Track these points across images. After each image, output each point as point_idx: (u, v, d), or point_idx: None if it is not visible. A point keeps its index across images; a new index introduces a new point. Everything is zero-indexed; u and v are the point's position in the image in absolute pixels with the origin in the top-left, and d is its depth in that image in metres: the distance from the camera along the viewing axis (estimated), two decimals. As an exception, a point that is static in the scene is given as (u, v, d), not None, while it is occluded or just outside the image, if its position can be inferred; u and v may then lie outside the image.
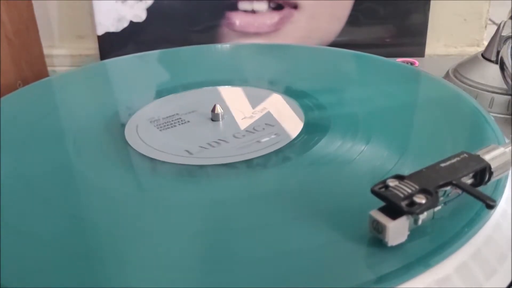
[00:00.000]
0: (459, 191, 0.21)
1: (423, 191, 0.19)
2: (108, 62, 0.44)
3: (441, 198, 0.20)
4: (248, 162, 0.27)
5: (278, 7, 0.50)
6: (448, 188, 0.20)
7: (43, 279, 0.19)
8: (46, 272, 0.20)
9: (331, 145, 0.28)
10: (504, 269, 0.21)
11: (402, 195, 0.19)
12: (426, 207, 0.19)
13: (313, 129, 0.30)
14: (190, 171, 0.27)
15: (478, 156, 0.22)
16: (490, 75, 0.38)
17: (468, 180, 0.21)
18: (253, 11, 0.51)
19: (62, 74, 0.42)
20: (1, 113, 0.33)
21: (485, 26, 0.52)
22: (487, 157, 0.22)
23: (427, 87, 0.37)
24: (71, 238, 0.22)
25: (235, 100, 0.34)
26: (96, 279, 0.19)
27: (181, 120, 0.33)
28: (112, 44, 0.52)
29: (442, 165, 0.21)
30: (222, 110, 0.32)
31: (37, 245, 0.21)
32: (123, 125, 0.32)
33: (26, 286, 0.19)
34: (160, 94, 0.37)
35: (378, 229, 0.19)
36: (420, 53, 0.52)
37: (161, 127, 0.32)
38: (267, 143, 0.28)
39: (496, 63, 0.38)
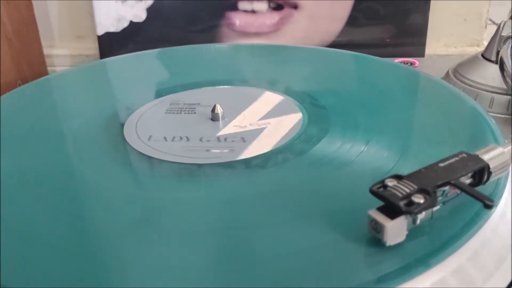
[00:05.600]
0: (458, 191, 0.21)
1: (422, 191, 0.19)
2: (107, 61, 0.44)
3: (440, 198, 0.20)
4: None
5: (278, 7, 0.50)
6: (446, 188, 0.20)
7: (43, 279, 0.19)
8: (46, 272, 0.20)
9: (331, 146, 0.28)
10: (503, 269, 0.21)
11: (400, 195, 0.19)
12: (424, 206, 0.19)
13: (314, 130, 0.30)
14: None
15: (477, 156, 0.22)
16: (490, 75, 0.38)
17: (467, 180, 0.21)
18: (253, 11, 0.51)
19: (61, 73, 0.42)
20: (0, 111, 0.33)
21: (485, 26, 0.52)
22: (485, 157, 0.22)
23: (425, 88, 0.37)
24: (70, 237, 0.22)
25: (258, 106, 0.34)
26: (96, 279, 0.19)
27: (192, 110, 0.33)
28: (112, 44, 0.52)
29: (441, 165, 0.21)
30: (222, 111, 0.32)
31: (37, 245, 0.21)
32: (122, 124, 0.32)
33: (26, 286, 0.19)
34: (160, 93, 0.37)
35: (377, 229, 0.19)
36: (420, 53, 0.52)
37: (171, 110, 0.34)
38: (212, 155, 0.28)
39: (496, 63, 0.38)
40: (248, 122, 0.32)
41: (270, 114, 0.33)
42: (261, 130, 0.31)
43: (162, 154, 0.28)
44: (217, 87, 0.37)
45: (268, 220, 0.22)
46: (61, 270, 0.20)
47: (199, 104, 0.34)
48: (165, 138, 0.30)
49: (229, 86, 0.38)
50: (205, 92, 0.37)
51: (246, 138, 0.30)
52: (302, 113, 0.32)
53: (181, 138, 0.30)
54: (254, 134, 0.30)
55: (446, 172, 0.20)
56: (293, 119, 0.32)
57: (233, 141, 0.30)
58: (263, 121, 0.32)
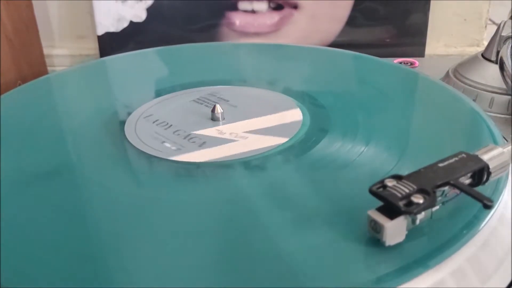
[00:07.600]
0: (457, 191, 0.21)
1: (421, 191, 0.19)
2: (107, 59, 0.44)
3: (439, 198, 0.20)
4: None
5: (278, 7, 0.50)
6: (446, 188, 0.20)
7: (43, 279, 0.19)
8: (46, 272, 0.20)
9: (331, 147, 0.28)
10: (503, 269, 0.21)
11: (399, 195, 0.19)
12: (424, 207, 0.19)
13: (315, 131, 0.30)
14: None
15: (477, 156, 0.22)
16: (490, 75, 0.38)
17: (466, 180, 0.21)
18: (253, 11, 0.51)
19: (61, 72, 0.42)
20: (0, 111, 0.33)
21: (485, 26, 0.52)
22: (485, 157, 0.22)
23: (425, 89, 0.37)
24: (70, 237, 0.22)
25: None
26: (97, 279, 0.19)
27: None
28: (112, 44, 0.52)
29: (440, 165, 0.21)
30: (222, 111, 0.32)
31: (37, 245, 0.21)
32: (122, 122, 0.32)
33: (26, 286, 0.19)
34: (159, 92, 0.37)
35: (376, 229, 0.19)
36: (420, 53, 0.52)
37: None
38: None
39: (496, 63, 0.38)
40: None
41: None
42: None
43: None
44: (216, 86, 0.37)
45: (267, 220, 0.22)
46: (61, 270, 0.20)
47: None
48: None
49: (228, 86, 0.37)
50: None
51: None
52: (302, 113, 0.32)
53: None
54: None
55: (446, 172, 0.20)
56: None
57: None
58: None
